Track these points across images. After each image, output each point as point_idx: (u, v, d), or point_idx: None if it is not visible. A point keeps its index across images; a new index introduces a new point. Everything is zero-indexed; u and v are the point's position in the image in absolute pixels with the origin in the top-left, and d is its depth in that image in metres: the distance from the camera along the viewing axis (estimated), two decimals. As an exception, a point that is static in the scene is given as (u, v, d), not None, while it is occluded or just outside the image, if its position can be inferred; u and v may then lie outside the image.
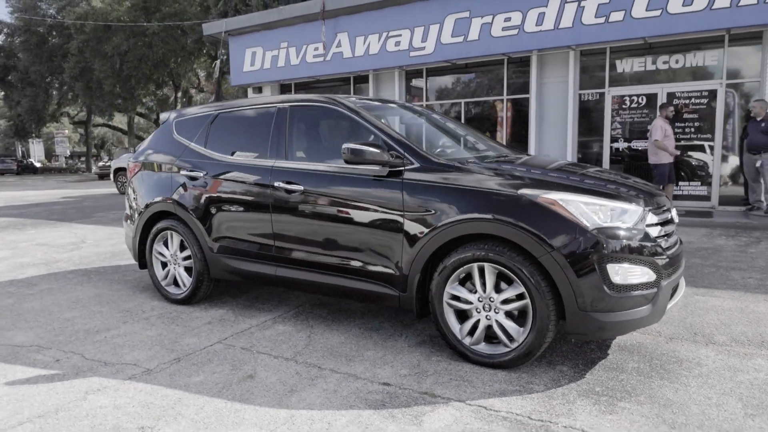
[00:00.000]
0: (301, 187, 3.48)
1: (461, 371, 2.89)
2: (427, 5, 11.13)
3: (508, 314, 2.86)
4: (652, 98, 9.64)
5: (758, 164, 7.72)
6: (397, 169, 3.15)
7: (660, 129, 8.43)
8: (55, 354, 3.32)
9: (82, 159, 51.61)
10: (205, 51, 31.26)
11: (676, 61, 9.44)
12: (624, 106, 9.94)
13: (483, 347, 2.94)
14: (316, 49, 12.96)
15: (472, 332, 2.97)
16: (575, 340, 3.28)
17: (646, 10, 8.76)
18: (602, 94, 10.18)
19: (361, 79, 13.55)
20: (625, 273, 2.65)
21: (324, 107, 3.68)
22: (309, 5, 12.97)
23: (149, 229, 4.41)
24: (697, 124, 9.32)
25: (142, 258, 4.52)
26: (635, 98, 9.80)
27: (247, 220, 3.79)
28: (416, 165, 3.12)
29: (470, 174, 2.99)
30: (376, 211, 3.18)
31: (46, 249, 7.07)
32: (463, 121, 11.85)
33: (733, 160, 9.29)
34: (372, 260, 3.24)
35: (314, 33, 12.94)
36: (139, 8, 28.76)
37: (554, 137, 10.66)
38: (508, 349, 2.85)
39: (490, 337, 2.96)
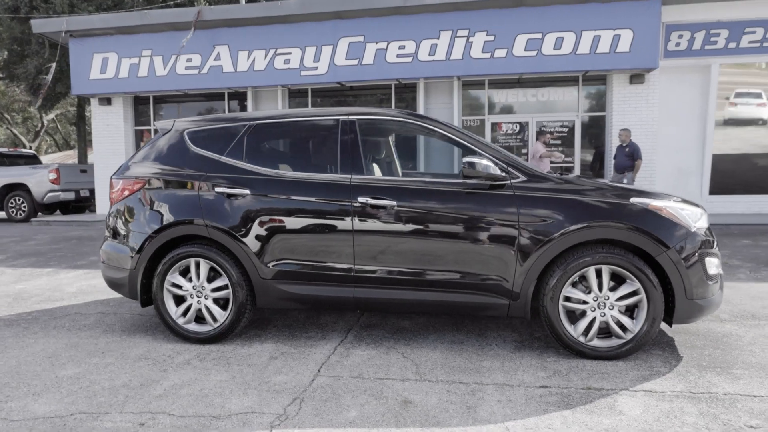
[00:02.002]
0: (393, 203, 3.38)
1: (588, 366, 3.14)
2: (319, 26, 11.22)
3: (620, 310, 3.21)
4: (524, 125, 11.18)
5: (624, 182, 9.54)
6: (501, 182, 3.30)
7: (540, 150, 9.85)
8: (125, 418, 2.65)
9: None
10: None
11: (542, 95, 11.14)
12: (502, 132, 11.31)
13: (598, 342, 3.24)
14: (189, 60, 12.00)
15: (586, 331, 3.24)
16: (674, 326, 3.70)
17: (525, 50, 10.20)
18: (483, 121, 11.44)
19: (238, 96, 12.94)
20: (712, 265, 3.22)
21: (406, 122, 3.64)
22: (181, 12, 12.02)
23: (158, 258, 3.74)
24: (561, 148, 11.08)
25: (146, 293, 3.79)
26: (511, 125, 11.25)
27: (318, 240, 3.50)
28: (522, 178, 3.32)
29: (577, 186, 3.30)
30: (486, 223, 3.27)
31: None
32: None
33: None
34: (481, 272, 3.30)
35: (187, 42, 11.96)
36: None
37: (440, 159, 11.56)
38: (624, 341, 3.19)
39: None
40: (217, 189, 3.64)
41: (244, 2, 16.80)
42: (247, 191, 3.60)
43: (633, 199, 3.21)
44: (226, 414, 2.67)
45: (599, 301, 3.21)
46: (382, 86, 12.03)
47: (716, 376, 2.96)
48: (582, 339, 3.24)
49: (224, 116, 3.94)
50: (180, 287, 3.71)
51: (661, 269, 3.14)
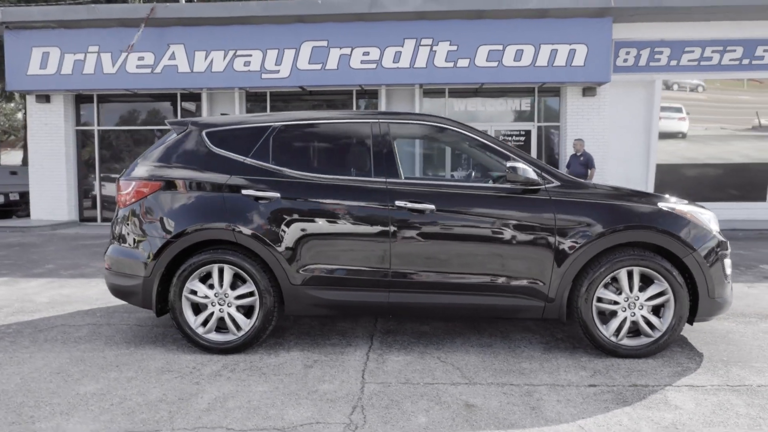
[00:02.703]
0: (433, 207, 3.38)
1: (623, 365, 3.28)
2: (281, 28, 10.99)
3: (649, 309, 3.38)
4: (484, 134, 11.53)
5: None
6: (537, 187, 3.40)
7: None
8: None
9: None
10: None
11: (500, 105, 11.53)
12: (462, 139, 11.58)
13: (628, 341, 3.39)
14: (141, 58, 11.36)
15: (617, 331, 3.38)
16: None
17: (486, 60, 10.53)
18: (444, 128, 11.65)
19: (191, 97, 12.40)
20: (728, 265, 3.47)
21: (440, 127, 3.67)
22: (131, 8, 11.42)
23: (176, 264, 3.51)
24: (518, 156, 11.50)
25: (161, 302, 3.55)
26: (471, 133, 11.53)
27: (353, 245, 3.43)
28: (557, 183, 3.43)
29: (608, 191, 3.46)
30: (524, 227, 3.35)
31: None
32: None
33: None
34: (518, 275, 3.37)
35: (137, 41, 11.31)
36: None
37: (408, 164, 11.62)
38: (652, 339, 3.36)
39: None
40: (244, 192, 3.48)
41: (183, 1, 16.12)
42: (277, 194, 3.46)
43: (660, 204, 3.40)
44: (290, 426, 2.55)
45: (629, 302, 3.36)
46: (343, 92, 11.97)
47: (741, 370, 3.19)
48: (614, 339, 3.38)
49: (247, 117, 3.79)
50: (200, 295, 3.50)
51: (686, 269, 3.35)
